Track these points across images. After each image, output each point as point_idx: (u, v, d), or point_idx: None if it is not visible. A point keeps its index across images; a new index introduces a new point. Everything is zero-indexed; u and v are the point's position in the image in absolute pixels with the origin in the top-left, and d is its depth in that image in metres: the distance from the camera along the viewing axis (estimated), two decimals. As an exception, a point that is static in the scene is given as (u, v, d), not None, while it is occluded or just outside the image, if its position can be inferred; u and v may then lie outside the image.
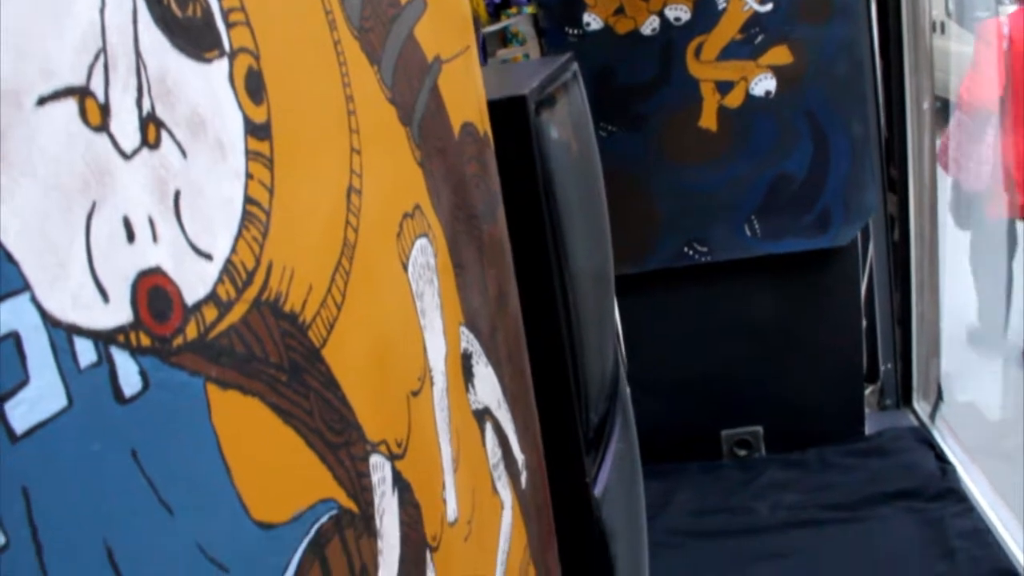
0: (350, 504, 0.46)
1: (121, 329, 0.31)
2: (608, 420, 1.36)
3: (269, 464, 0.39)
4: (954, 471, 1.87)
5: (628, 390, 1.55)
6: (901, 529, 1.71)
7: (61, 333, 0.28)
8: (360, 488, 0.47)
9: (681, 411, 1.99)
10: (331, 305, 0.47)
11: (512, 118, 1.05)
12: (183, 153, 0.36)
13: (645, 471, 1.59)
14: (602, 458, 1.28)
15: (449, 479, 0.63)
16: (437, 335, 0.65)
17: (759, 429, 2.00)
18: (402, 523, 0.52)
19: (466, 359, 0.72)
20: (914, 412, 2.17)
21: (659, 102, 1.97)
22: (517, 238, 1.01)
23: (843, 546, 1.70)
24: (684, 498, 1.89)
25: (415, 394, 0.58)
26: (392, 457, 0.52)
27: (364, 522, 0.47)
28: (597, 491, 1.20)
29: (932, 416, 2.12)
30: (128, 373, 0.31)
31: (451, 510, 0.63)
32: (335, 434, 0.45)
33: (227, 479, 0.36)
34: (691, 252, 1.96)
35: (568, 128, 1.27)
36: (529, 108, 1.07)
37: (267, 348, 0.40)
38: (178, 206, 0.35)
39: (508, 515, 0.80)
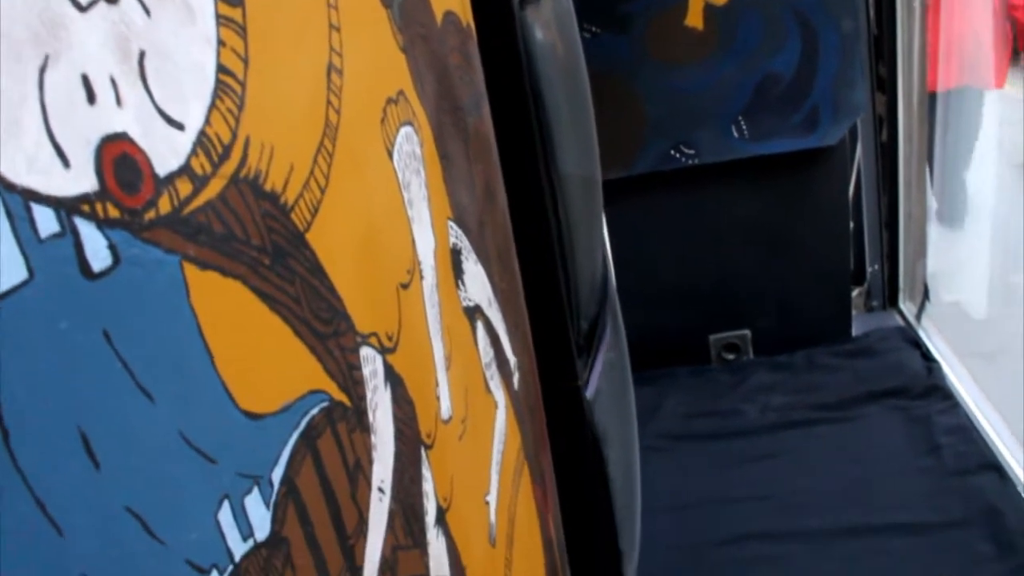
0: (342, 397, 0.44)
1: (85, 198, 0.28)
2: (598, 325, 1.35)
3: (255, 352, 0.37)
4: (939, 369, 1.89)
5: (617, 296, 1.54)
6: (888, 427, 1.73)
7: (16, 198, 0.26)
8: (351, 381, 0.45)
9: (669, 317, 1.99)
10: (314, 188, 0.44)
11: (496, 10, 1.01)
12: (146, 11, 0.32)
13: (635, 377, 1.58)
14: (593, 362, 1.27)
15: (442, 376, 0.61)
16: (425, 228, 0.63)
17: (747, 333, 2.00)
18: (396, 419, 0.51)
19: (455, 255, 0.70)
20: (900, 313, 2.18)
21: (644, 1, 1.92)
22: (503, 138, 0.98)
23: (831, 445, 1.71)
24: (674, 403, 1.90)
25: (405, 287, 0.56)
26: (383, 351, 0.50)
27: (357, 416, 0.45)
28: (589, 394, 1.20)
29: (918, 316, 2.13)
30: (96, 247, 0.28)
31: (445, 408, 0.61)
32: (323, 323, 0.43)
33: (210, 365, 0.33)
34: (678, 155, 1.93)
35: (553, 28, 1.22)
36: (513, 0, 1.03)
37: (248, 228, 0.37)
38: (143, 68, 0.32)
39: (502, 415, 0.78)
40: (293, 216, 0.42)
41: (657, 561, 1.49)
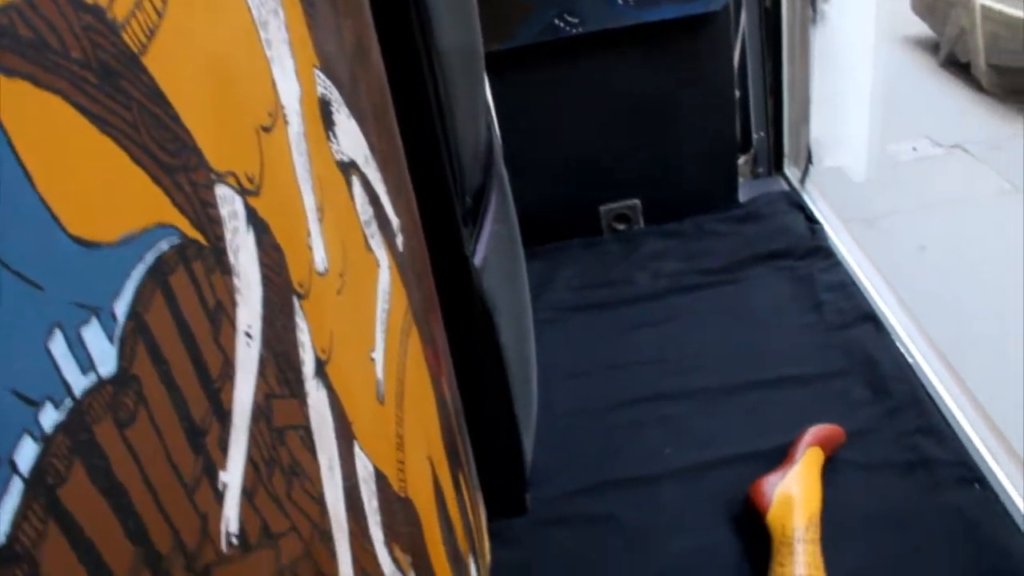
0: (196, 235, 0.41)
1: None
2: (485, 193, 1.33)
3: (83, 175, 0.33)
4: (822, 230, 1.94)
5: (504, 167, 1.52)
6: (774, 286, 1.78)
7: None
8: (207, 219, 0.42)
9: (558, 190, 1.98)
10: (149, 10, 0.40)
11: None
12: None
13: (528, 253, 1.59)
14: (480, 231, 1.26)
15: (315, 227, 0.59)
16: (288, 74, 0.59)
17: (637, 203, 2.01)
18: (262, 264, 0.48)
19: (324, 105, 0.66)
20: (785, 178, 2.22)
21: None
22: (378, 5, 0.93)
23: (720, 307, 1.75)
24: (567, 275, 1.91)
25: (267, 130, 0.53)
26: (244, 192, 0.47)
27: (215, 256, 0.43)
28: (477, 262, 1.18)
29: (802, 181, 2.18)
30: None
31: (319, 259, 0.58)
32: (169, 155, 0.39)
33: (27, 184, 0.30)
34: (562, 24, 1.89)
35: None
36: None
37: (66, 40, 0.33)
38: None
39: (386, 275, 0.76)
40: (124, 36, 0.38)
41: (555, 427, 1.52)
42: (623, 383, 1.59)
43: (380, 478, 0.63)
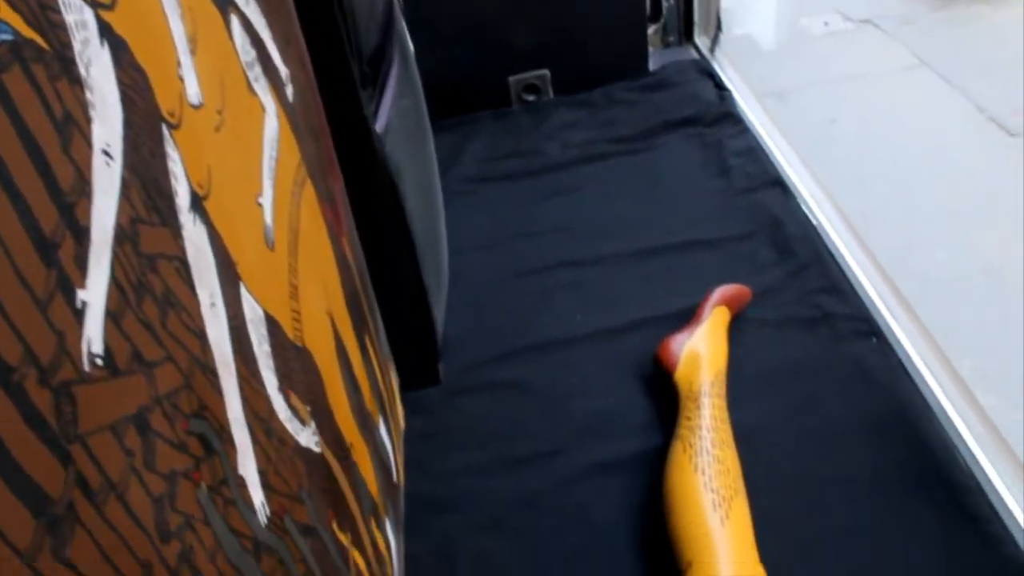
0: (33, 35, 0.37)
1: None
2: (385, 58, 1.29)
3: None
4: (731, 97, 1.94)
5: (406, 33, 1.47)
6: (683, 153, 1.78)
7: None
8: (47, 22, 0.39)
9: (466, 61, 1.93)
10: None
11: None
12: None
13: (437, 126, 1.55)
14: (381, 96, 1.22)
15: (185, 58, 0.55)
16: None
17: (546, 73, 1.98)
18: (120, 82, 0.45)
19: (193, -69, 0.61)
20: (695, 47, 2.20)
21: None
22: None
23: (630, 174, 1.75)
24: (476, 147, 1.88)
25: (121, -57, 0.48)
26: (94, 4, 0.44)
27: (61, 64, 0.39)
28: (379, 127, 1.15)
29: (712, 49, 2.16)
30: None
31: (192, 92, 0.55)
32: (-4, -55, 0.36)
33: None
34: None
35: None
36: None
37: None
38: None
39: (273, 123, 0.73)
40: None
41: (467, 296, 1.52)
42: (534, 252, 1.59)
43: (272, 323, 0.62)
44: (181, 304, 0.47)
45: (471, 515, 1.17)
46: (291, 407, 0.63)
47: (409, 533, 1.14)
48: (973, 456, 1.18)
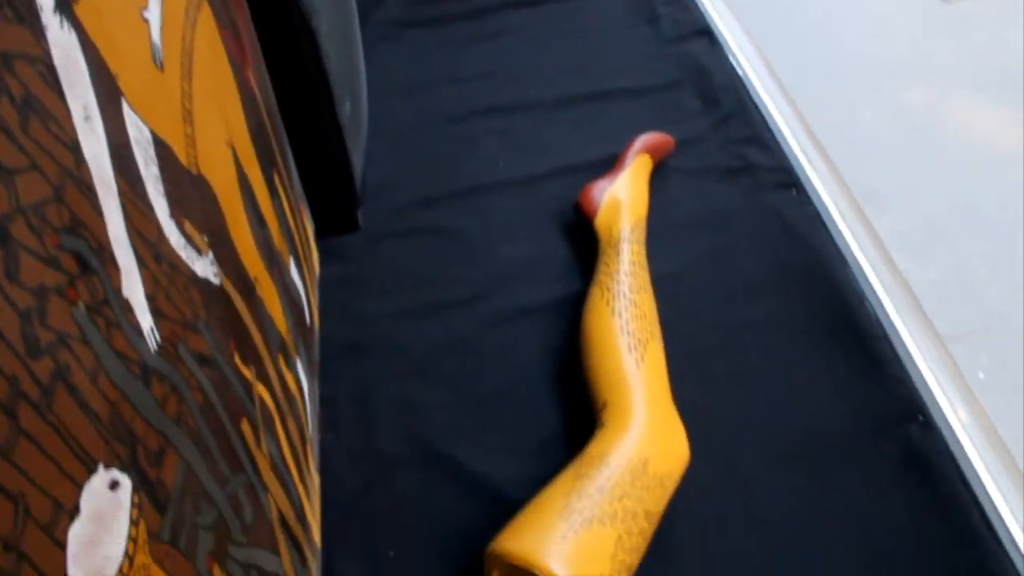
0: None
1: None
2: None
3: None
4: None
5: None
6: (610, 1, 1.73)
7: None
8: None
9: None
10: None
11: None
12: None
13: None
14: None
15: None
16: None
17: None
18: None
19: None
20: None
21: None
22: None
23: (559, 20, 1.70)
24: (400, -11, 1.79)
25: None
26: None
27: None
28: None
29: None
30: None
31: None
32: None
33: None
34: None
35: None
36: None
37: None
38: None
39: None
40: None
41: (388, 142, 1.47)
42: (458, 97, 1.54)
43: (161, 146, 0.58)
44: (47, 111, 0.43)
45: (391, 359, 1.16)
46: (185, 234, 0.60)
47: (325, 377, 1.13)
48: (882, 307, 1.21)
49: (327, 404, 1.10)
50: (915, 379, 1.10)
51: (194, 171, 0.64)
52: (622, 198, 1.24)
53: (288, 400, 0.82)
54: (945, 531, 0.95)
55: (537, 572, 0.80)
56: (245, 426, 0.65)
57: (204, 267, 0.62)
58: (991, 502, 0.98)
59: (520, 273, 1.26)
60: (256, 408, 0.69)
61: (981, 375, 1.29)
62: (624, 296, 1.07)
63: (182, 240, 0.59)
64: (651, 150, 1.35)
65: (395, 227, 1.35)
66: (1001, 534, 0.94)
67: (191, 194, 0.62)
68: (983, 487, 0.99)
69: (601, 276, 1.12)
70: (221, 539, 0.57)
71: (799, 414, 1.07)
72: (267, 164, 0.91)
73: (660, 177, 1.36)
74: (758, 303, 1.20)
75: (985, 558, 0.92)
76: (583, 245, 1.27)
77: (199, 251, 0.62)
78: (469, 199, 1.38)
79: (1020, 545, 0.94)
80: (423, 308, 1.22)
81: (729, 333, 1.16)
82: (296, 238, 1.06)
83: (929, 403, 1.07)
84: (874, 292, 1.23)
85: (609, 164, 1.36)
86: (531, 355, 1.15)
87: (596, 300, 1.09)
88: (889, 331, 1.17)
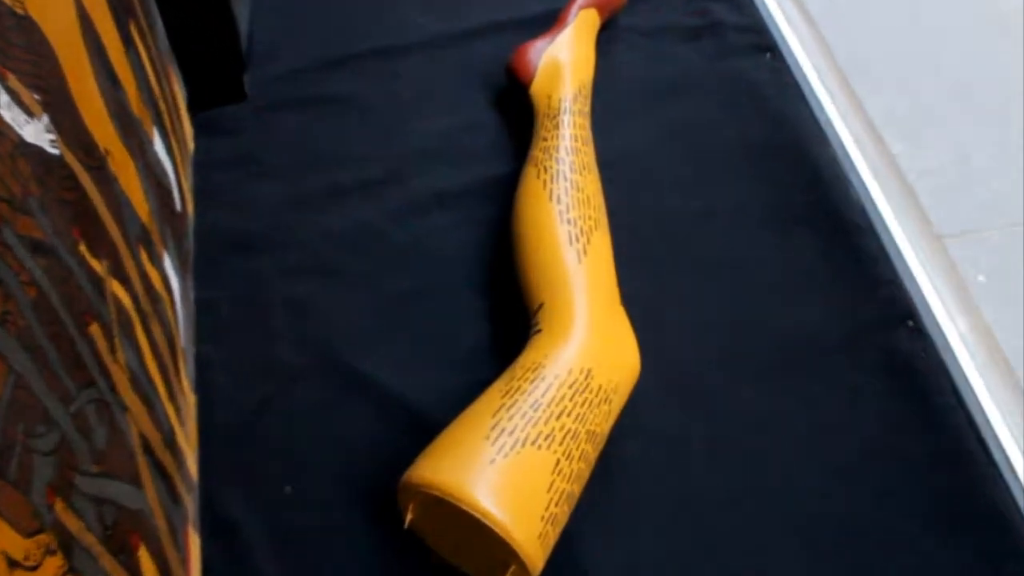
0: None
1: None
2: None
3: None
4: None
5: None
6: None
7: None
8: None
9: None
10: None
11: None
12: None
13: None
14: None
15: None
16: None
17: None
18: None
19: None
20: None
21: None
22: None
23: None
24: None
25: None
26: None
27: None
28: None
29: None
30: None
31: None
32: None
33: None
34: None
35: None
36: None
37: None
38: None
39: None
40: None
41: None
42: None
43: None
44: None
45: (285, 255, 1.13)
46: (9, 90, 0.55)
47: (204, 276, 1.09)
48: (870, 196, 1.20)
49: (206, 309, 1.07)
50: (905, 280, 1.11)
51: (19, 10, 0.59)
52: (563, 61, 1.21)
53: (153, 301, 0.79)
54: (932, 451, 0.96)
55: (461, 505, 0.79)
56: (95, 330, 0.62)
57: (36, 132, 0.58)
58: (987, 420, 0.99)
59: (439, 151, 1.23)
60: (110, 309, 0.66)
61: (981, 278, 1.30)
62: (564, 177, 1.05)
63: (5, 98, 0.55)
64: (598, 5, 1.31)
65: (291, 95, 1.30)
66: (997, 456, 0.96)
67: (16, 40, 0.58)
68: (979, 403, 1.00)
69: (537, 153, 1.10)
70: (64, 468, 0.54)
71: (769, 317, 1.07)
72: (121, 11, 0.86)
73: (608, 38, 1.33)
74: (723, 187, 1.19)
75: (976, 482, 0.94)
76: (516, 117, 1.24)
77: (29, 113, 0.58)
78: (379, 62, 1.33)
79: (1019, 469, 0.96)
80: (325, 193, 1.18)
81: (688, 222, 1.15)
82: (162, 105, 1.00)
83: (920, 307, 1.08)
84: (860, 179, 1.22)
85: (548, 21, 1.32)
86: (453, 248, 1.13)
87: (531, 182, 1.06)
88: (877, 224, 1.17)
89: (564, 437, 0.84)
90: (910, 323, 1.05)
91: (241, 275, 1.11)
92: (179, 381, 0.88)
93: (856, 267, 1.10)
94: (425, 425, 0.93)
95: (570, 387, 0.88)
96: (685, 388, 1.01)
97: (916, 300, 1.08)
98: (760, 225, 1.15)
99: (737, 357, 1.03)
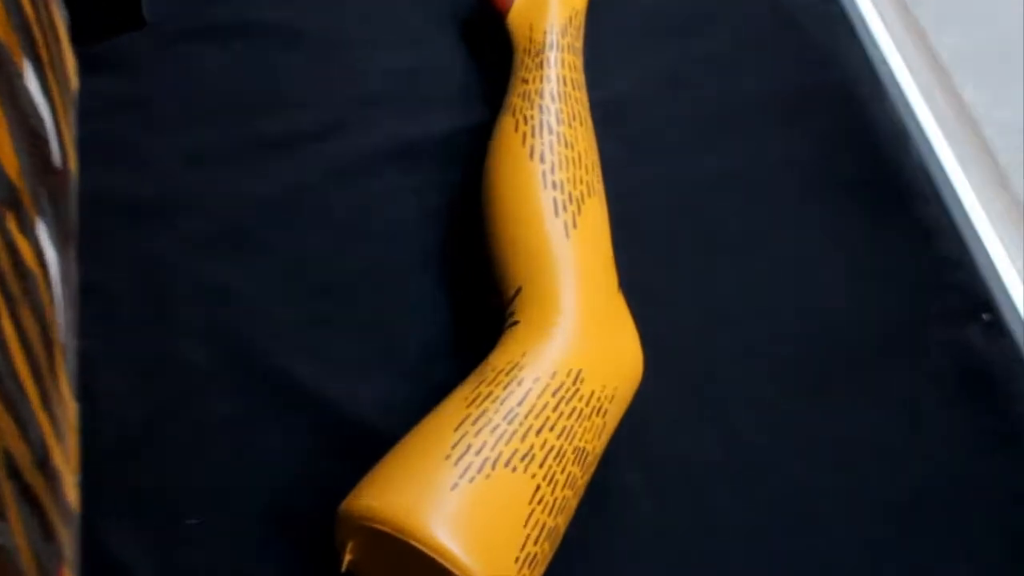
0: None
1: None
2: None
3: None
4: None
5: None
6: None
7: None
8: None
9: None
10: None
11: None
12: None
13: None
14: None
15: None
16: None
17: None
18: None
19: None
20: None
21: None
22: None
23: None
24: None
25: None
26: None
27: None
28: None
29: None
30: None
31: None
32: None
33: None
34: None
35: None
36: None
37: None
38: None
39: None
40: None
41: None
42: None
43: None
44: None
45: (194, 226, 1.12)
46: None
47: (92, 251, 1.08)
48: (935, 155, 1.21)
49: (92, 292, 1.06)
50: (979, 261, 1.11)
51: None
52: (550, -18, 1.21)
53: (21, 279, 0.78)
54: (1013, 482, 0.97)
55: (414, 541, 0.79)
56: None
57: None
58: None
59: (392, 96, 1.24)
60: (-38, 289, 0.65)
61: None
62: (549, 130, 1.05)
63: None
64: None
65: (200, 23, 1.30)
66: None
67: None
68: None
69: (515, 100, 1.09)
70: None
71: (805, 309, 1.07)
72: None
73: (609, -47, 1.33)
74: (749, 145, 1.20)
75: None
76: (489, 54, 1.25)
77: None
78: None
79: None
80: (243, 148, 1.18)
81: (704, 189, 1.16)
82: (36, 32, 1.00)
83: (999, 296, 1.09)
84: (923, 133, 1.23)
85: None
86: (407, 219, 1.13)
87: (508, 136, 1.06)
88: (943, 190, 1.17)
89: (546, 457, 0.84)
90: (985, 316, 1.06)
91: (137, 251, 1.11)
92: (56, 384, 0.87)
93: (917, 245, 1.11)
94: (370, 441, 0.93)
95: (554, 394, 0.88)
96: (700, 397, 1.01)
97: (993, 287, 1.09)
98: (795, 193, 1.16)
99: (765, 360, 1.04)
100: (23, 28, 0.93)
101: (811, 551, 0.93)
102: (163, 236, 1.12)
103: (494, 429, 0.84)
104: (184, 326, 1.06)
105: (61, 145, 1.03)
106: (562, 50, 1.14)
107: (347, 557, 0.84)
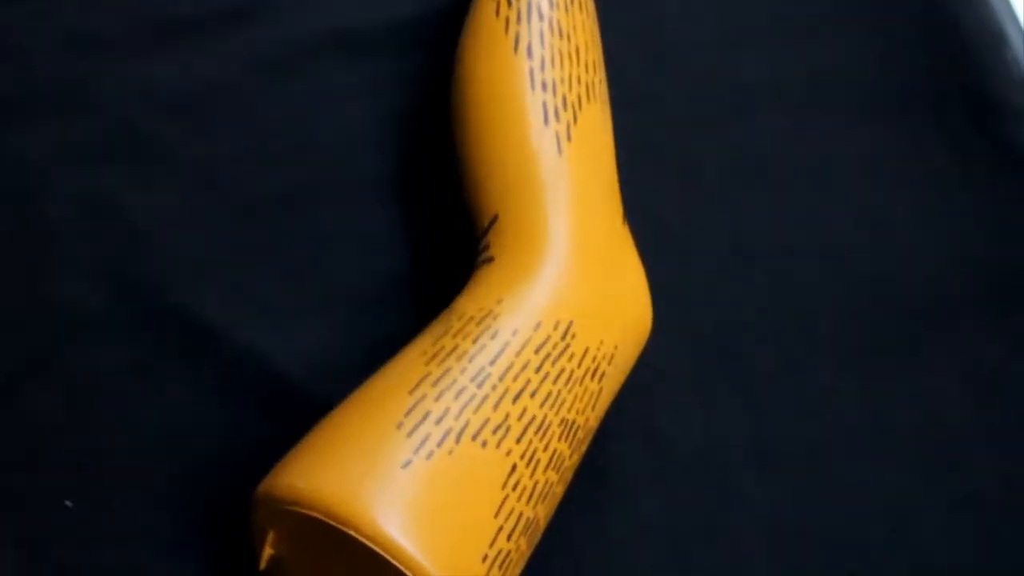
0: None
1: None
2: None
3: None
4: None
5: None
6: None
7: None
8: None
9: None
10: None
11: None
12: None
13: None
14: None
15: None
16: None
17: None
18: None
19: None
20: None
21: None
22: None
23: None
24: None
25: None
26: None
27: None
28: None
29: None
30: None
31: None
32: None
33: None
34: None
35: None
36: None
37: None
38: None
39: None
40: None
41: None
42: None
43: None
44: None
45: (77, 126, 1.11)
46: None
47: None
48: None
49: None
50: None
51: None
52: None
53: None
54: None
55: (352, 531, 0.78)
56: None
57: None
58: None
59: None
60: None
61: None
62: (539, 15, 1.04)
63: None
64: None
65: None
66: None
67: None
68: None
69: (497, -25, 1.08)
70: None
71: (862, 260, 1.07)
72: None
73: None
74: (799, 45, 1.19)
75: None
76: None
77: None
78: None
79: None
80: (143, 30, 1.16)
81: (739, 102, 1.15)
82: None
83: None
84: (1022, 34, 1.22)
85: None
86: (353, 126, 1.12)
87: (487, 21, 1.05)
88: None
89: (525, 430, 0.84)
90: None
91: (2, 158, 1.09)
92: None
93: (1007, 177, 1.11)
94: (299, 405, 0.93)
95: (537, 351, 0.87)
96: (720, 360, 1.01)
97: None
98: (855, 109, 1.15)
99: (803, 316, 1.03)
100: None
101: (849, 551, 0.93)
102: (33, 138, 1.10)
103: (460, 393, 0.84)
104: (61, 256, 1.05)
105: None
106: None
107: (267, 552, 0.83)
